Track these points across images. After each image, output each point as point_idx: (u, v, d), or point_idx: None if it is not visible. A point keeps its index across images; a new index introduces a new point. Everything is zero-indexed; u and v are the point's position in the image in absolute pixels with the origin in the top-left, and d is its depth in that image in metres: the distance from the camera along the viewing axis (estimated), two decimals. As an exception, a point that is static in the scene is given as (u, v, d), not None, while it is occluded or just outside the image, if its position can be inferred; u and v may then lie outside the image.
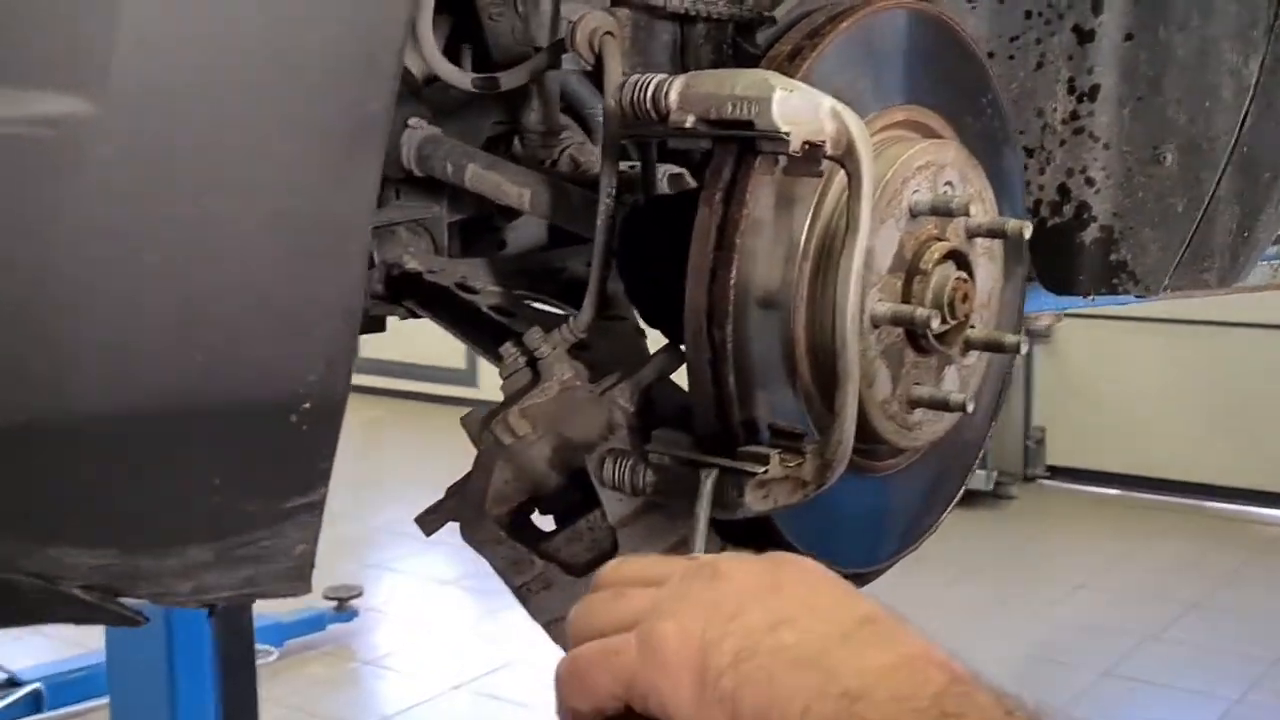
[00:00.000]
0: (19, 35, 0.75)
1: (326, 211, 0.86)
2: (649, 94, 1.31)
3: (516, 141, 1.82)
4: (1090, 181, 1.89)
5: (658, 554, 1.19)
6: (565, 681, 0.97)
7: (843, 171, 1.30)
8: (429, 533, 1.56)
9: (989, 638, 5.45)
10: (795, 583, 0.95)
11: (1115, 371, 7.44)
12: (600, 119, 2.06)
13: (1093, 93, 1.87)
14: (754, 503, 1.29)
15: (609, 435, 1.46)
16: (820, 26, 1.37)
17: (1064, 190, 1.90)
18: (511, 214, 1.95)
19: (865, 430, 1.38)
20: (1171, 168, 1.87)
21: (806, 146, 1.25)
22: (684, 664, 0.89)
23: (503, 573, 1.52)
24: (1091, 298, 1.99)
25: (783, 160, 1.30)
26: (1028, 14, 1.87)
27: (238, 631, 3.99)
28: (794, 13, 1.43)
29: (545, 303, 1.91)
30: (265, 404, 0.88)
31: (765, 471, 1.28)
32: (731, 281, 1.31)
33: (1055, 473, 7.79)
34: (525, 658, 5.30)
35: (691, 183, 1.98)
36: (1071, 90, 1.88)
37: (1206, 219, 1.89)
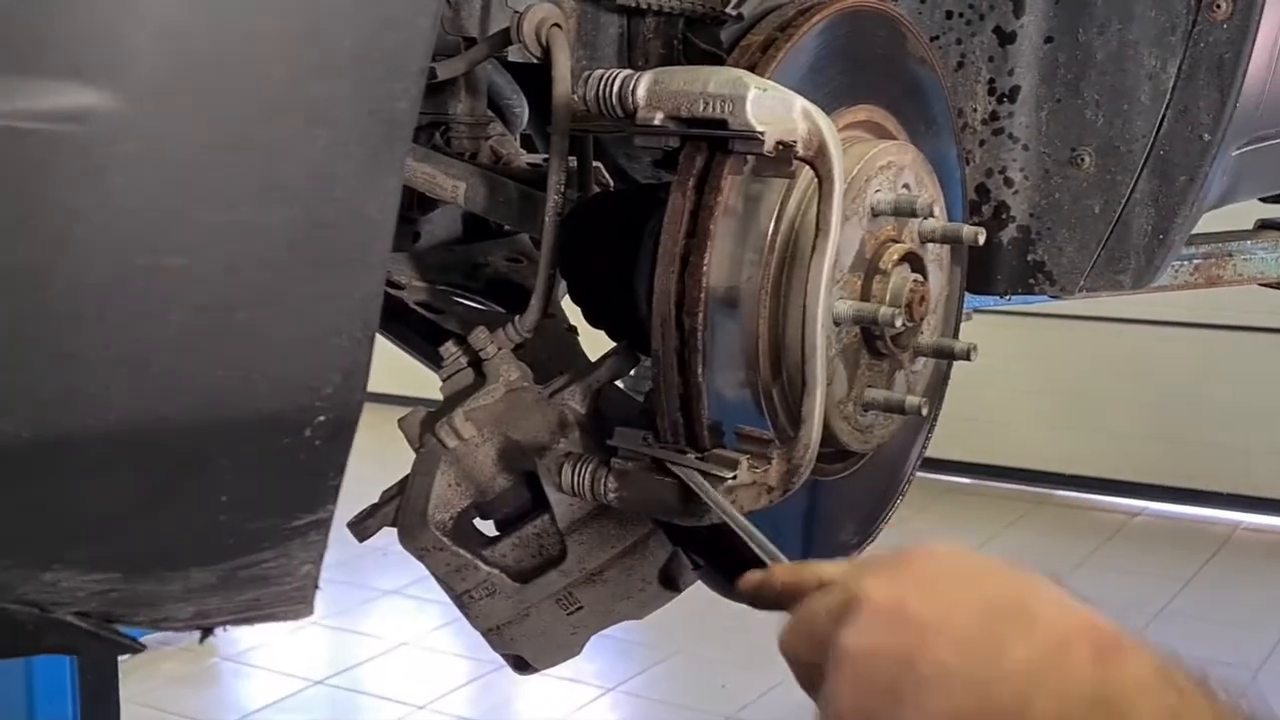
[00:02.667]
0: (38, 21, 0.68)
1: (352, 215, 0.80)
2: (614, 89, 1.26)
3: (437, 134, 1.77)
4: (1009, 182, 1.91)
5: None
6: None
7: (806, 169, 1.28)
8: (363, 539, 1.51)
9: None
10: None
11: (964, 363, 7.53)
12: (518, 111, 2.03)
13: (1012, 94, 1.88)
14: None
15: (560, 439, 1.42)
16: (791, 19, 1.34)
17: (983, 190, 1.91)
18: (427, 206, 1.90)
19: (824, 432, 1.36)
20: (1089, 169, 1.88)
21: (779, 146, 1.23)
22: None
23: (443, 580, 1.48)
24: (1008, 297, 2.00)
25: (751, 159, 1.27)
26: (949, 14, 1.88)
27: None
28: (759, 9, 1.41)
29: (466, 299, 1.87)
30: (281, 418, 0.83)
31: (734, 477, 1.25)
32: (705, 267, 1.26)
33: (908, 462, 7.86)
34: (386, 652, 5.22)
35: (608, 178, 1.96)
36: (991, 91, 1.89)
37: (1123, 221, 1.90)
